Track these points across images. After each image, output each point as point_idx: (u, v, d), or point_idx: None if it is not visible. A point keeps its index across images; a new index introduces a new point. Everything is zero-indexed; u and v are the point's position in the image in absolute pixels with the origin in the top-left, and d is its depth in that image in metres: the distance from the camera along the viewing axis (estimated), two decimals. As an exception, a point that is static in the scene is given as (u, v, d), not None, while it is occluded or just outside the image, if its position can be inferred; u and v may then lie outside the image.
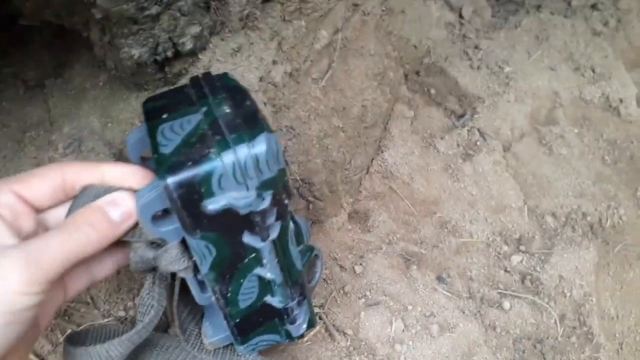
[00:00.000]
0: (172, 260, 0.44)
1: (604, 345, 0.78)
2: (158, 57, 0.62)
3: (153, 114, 0.45)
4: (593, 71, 1.20)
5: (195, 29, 0.62)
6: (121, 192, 0.43)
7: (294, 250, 0.49)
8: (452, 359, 0.73)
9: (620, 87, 1.18)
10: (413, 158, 0.93)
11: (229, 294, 0.48)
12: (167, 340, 0.55)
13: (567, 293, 0.82)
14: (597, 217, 0.95)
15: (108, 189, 0.43)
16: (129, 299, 0.70)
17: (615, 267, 0.89)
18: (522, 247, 0.88)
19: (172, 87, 0.50)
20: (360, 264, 0.80)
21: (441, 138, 0.97)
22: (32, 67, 0.79)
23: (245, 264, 0.46)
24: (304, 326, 0.55)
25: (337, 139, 0.82)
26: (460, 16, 1.17)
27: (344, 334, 0.73)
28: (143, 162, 0.50)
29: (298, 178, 0.77)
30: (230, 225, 0.42)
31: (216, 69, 0.67)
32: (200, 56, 0.67)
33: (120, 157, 0.67)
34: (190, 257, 0.44)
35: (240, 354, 0.55)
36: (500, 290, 0.82)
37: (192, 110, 0.44)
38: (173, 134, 0.42)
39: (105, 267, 0.47)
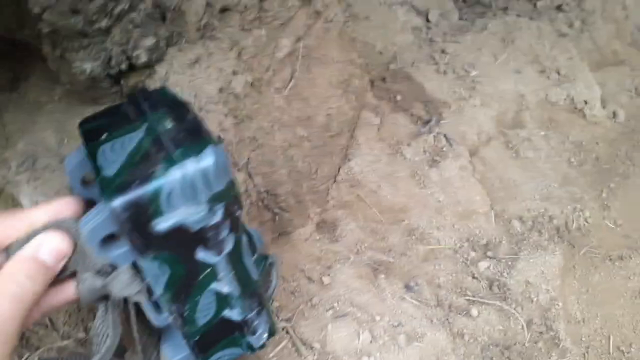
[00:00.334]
0: (124, 285, 0.42)
1: (570, 350, 0.78)
2: (112, 71, 0.60)
3: (92, 135, 0.43)
4: (558, 73, 1.21)
5: (149, 41, 0.60)
6: (47, 233, 0.41)
7: (249, 260, 0.48)
8: (421, 369, 0.72)
9: (584, 89, 1.19)
10: (380, 165, 0.92)
11: (185, 313, 0.47)
12: None
13: (533, 298, 0.82)
14: (563, 220, 0.96)
15: (33, 234, 0.41)
16: (90, 320, 0.68)
17: (580, 270, 0.90)
18: (489, 253, 0.88)
19: (108, 106, 0.48)
20: (328, 275, 0.80)
21: (408, 145, 0.97)
22: (-16, 80, 0.76)
23: (200, 280, 0.45)
24: (265, 335, 0.54)
25: (302, 148, 0.81)
26: (427, 20, 1.17)
27: (311, 347, 0.72)
28: (84, 186, 0.48)
29: (262, 189, 0.76)
30: (183, 242, 0.41)
31: (174, 81, 0.65)
32: (156, 68, 0.65)
33: (76, 173, 0.65)
34: (143, 279, 0.42)
35: None
36: (468, 297, 0.82)
37: (132, 128, 0.42)
38: (114, 154, 0.40)
39: (55, 300, 0.45)
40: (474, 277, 0.85)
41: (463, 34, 1.21)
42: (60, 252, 0.41)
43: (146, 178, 0.37)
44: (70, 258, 0.42)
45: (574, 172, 1.08)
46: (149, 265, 0.41)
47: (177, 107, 0.45)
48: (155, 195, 0.38)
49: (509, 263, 0.87)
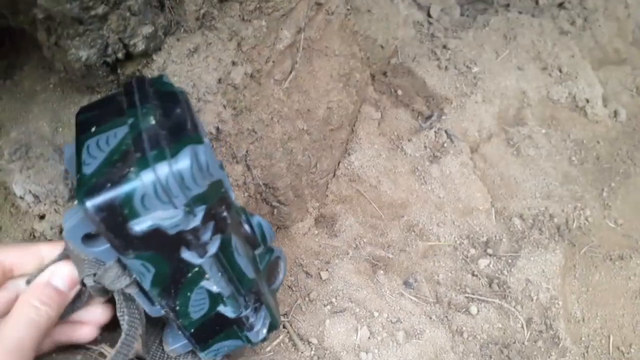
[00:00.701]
0: (113, 279, 0.42)
1: (570, 349, 0.78)
2: (108, 59, 0.59)
3: (84, 127, 0.42)
4: (560, 71, 1.20)
5: (147, 29, 0.59)
6: (59, 263, 0.45)
7: (243, 260, 0.47)
8: (419, 367, 0.71)
9: (586, 87, 1.18)
10: (380, 161, 0.91)
11: (177, 307, 0.46)
12: None
13: (533, 297, 0.81)
14: (564, 218, 0.95)
15: (47, 265, 0.45)
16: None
17: (581, 270, 0.89)
18: (489, 250, 0.87)
19: (105, 95, 0.47)
20: (327, 270, 0.78)
21: (408, 140, 0.96)
22: (-22, 68, 0.75)
23: (189, 278, 0.44)
24: (264, 331, 0.54)
25: (302, 142, 0.79)
26: (429, 15, 1.16)
27: (309, 343, 0.71)
28: None
29: (261, 183, 0.75)
30: (163, 243, 0.40)
31: (172, 71, 0.64)
32: (154, 57, 0.64)
33: (71, 163, 0.64)
34: (131, 274, 0.42)
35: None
36: (467, 295, 0.81)
37: (120, 122, 0.41)
38: (98, 150, 0.39)
39: (65, 336, 0.49)
40: (473, 275, 0.84)
41: (465, 30, 1.20)
42: (73, 279, 0.44)
43: (119, 180, 0.37)
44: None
45: (575, 170, 1.07)
46: (132, 264, 0.40)
47: (169, 100, 0.44)
48: (128, 198, 0.37)
49: (509, 261, 0.86)
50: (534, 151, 1.06)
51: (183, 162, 0.37)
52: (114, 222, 0.37)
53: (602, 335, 0.83)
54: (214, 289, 0.45)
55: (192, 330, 0.49)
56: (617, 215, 1.00)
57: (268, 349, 0.68)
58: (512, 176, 1.00)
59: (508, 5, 1.31)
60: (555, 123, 1.14)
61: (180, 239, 0.40)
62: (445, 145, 0.96)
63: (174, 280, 0.43)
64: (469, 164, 0.96)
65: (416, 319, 0.76)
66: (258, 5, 0.69)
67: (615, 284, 0.89)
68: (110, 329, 0.62)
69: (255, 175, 0.74)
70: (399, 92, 1.00)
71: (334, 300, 0.75)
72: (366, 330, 0.72)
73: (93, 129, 0.41)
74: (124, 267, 0.41)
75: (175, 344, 0.52)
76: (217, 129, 0.68)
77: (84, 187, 0.37)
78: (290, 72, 0.77)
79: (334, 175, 0.88)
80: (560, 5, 1.34)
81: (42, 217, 0.64)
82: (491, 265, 0.85)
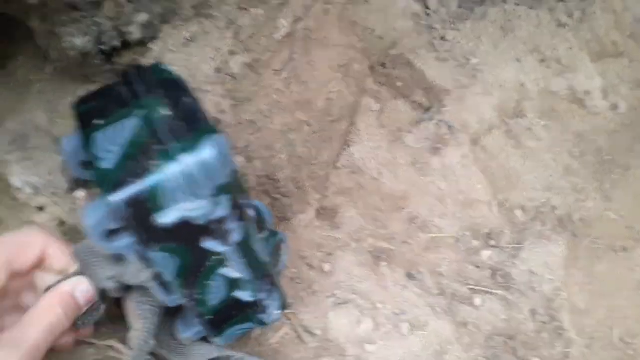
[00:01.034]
0: (134, 274, 0.42)
1: (574, 340, 0.77)
2: (104, 47, 0.58)
3: (87, 120, 0.41)
4: (559, 63, 1.19)
5: (143, 17, 0.58)
6: (80, 278, 0.45)
7: (259, 245, 0.47)
8: (424, 358, 0.71)
9: (585, 79, 1.18)
10: (381, 152, 0.90)
11: (197, 296, 0.46)
12: None
13: (537, 288, 0.81)
14: (565, 210, 0.94)
15: (68, 276, 0.45)
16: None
17: (584, 261, 0.88)
18: (492, 242, 0.86)
19: (103, 85, 0.46)
20: (329, 262, 0.78)
21: (409, 132, 0.95)
22: (-29, 59, 0.73)
23: (209, 266, 0.44)
24: (276, 312, 0.54)
25: (302, 133, 0.78)
26: (426, 7, 1.15)
27: (313, 334, 0.70)
28: (84, 168, 0.47)
29: (262, 174, 0.74)
30: (189, 234, 0.40)
31: (169, 60, 0.63)
32: (150, 46, 0.63)
33: (67, 154, 0.62)
34: (151, 267, 0.42)
35: (217, 345, 0.54)
36: (471, 286, 0.80)
37: (125, 114, 0.40)
38: (110, 144, 0.39)
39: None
40: (476, 267, 0.83)
41: (462, 21, 1.18)
42: (90, 296, 0.45)
43: (143, 174, 0.36)
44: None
45: (575, 162, 1.07)
46: (156, 257, 0.40)
47: (173, 88, 0.43)
48: (154, 191, 0.36)
49: (512, 252, 0.85)
50: (534, 143, 1.06)
51: (206, 152, 0.37)
52: (140, 217, 0.37)
53: (606, 326, 0.82)
54: (234, 275, 0.45)
55: (209, 317, 0.49)
56: (618, 207, 0.99)
57: (272, 340, 0.67)
58: (512, 168, 0.99)
59: (505, -3, 1.30)
60: (555, 115, 1.14)
61: (206, 229, 0.40)
62: (445, 137, 0.96)
63: (195, 269, 0.43)
64: (469, 156, 0.95)
65: (420, 311, 0.75)
66: (256, -7, 0.68)
67: (619, 275, 0.88)
68: (115, 323, 0.61)
69: (256, 166, 0.73)
70: (399, 83, 0.99)
71: (337, 292, 0.74)
72: (370, 322, 0.72)
73: (98, 122, 0.40)
74: (145, 261, 0.41)
75: (188, 332, 0.52)
76: (217, 119, 0.67)
77: (107, 183, 0.36)
78: (289, 63, 0.76)
79: (334, 167, 0.87)
80: (558, -3, 1.33)
81: (41, 208, 0.63)
82: (494, 257, 0.84)
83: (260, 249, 0.48)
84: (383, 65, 1.01)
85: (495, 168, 0.99)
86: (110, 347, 0.59)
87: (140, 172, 0.36)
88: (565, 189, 0.99)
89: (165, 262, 0.41)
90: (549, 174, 1.01)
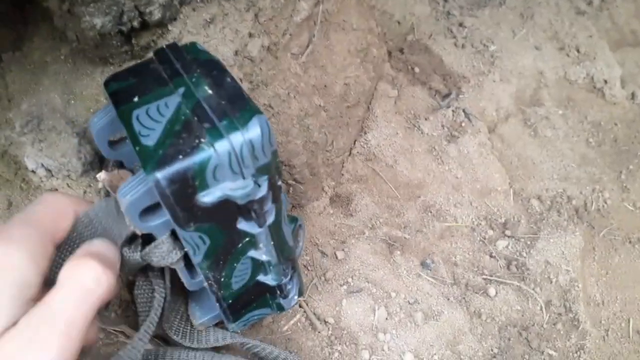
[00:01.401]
0: (164, 255, 0.41)
1: (589, 332, 0.76)
2: (123, 28, 0.57)
3: (122, 97, 0.40)
4: (578, 51, 1.17)
5: (163, -3, 0.57)
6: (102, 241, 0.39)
7: (287, 228, 0.47)
8: (437, 348, 0.70)
9: (605, 68, 1.16)
10: (397, 139, 0.89)
11: (222, 279, 0.46)
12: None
13: (553, 279, 0.80)
14: (582, 200, 0.93)
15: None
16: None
17: (600, 252, 0.87)
18: (507, 232, 0.85)
19: (135, 63, 0.45)
20: (342, 250, 0.77)
21: (425, 119, 0.94)
22: (-13, 39, 0.73)
23: (239, 248, 0.44)
24: (296, 297, 0.54)
25: (319, 118, 0.77)
26: (445, -8, 1.13)
27: (326, 322, 0.69)
28: (112, 147, 0.46)
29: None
30: (227, 214, 0.40)
31: (188, 41, 0.62)
32: (169, 27, 0.61)
33: (84, 136, 0.62)
34: (182, 247, 0.41)
35: (231, 330, 0.54)
36: (485, 276, 0.79)
37: (166, 92, 0.40)
38: (151, 121, 0.38)
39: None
40: (491, 256, 0.82)
41: (481, 8, 1.17)
42: (113, 265, 0.38)
43: (191, 151, 0.35)
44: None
45: (592, 152, 1.05)
46: (190, 236, 0.39)
47: (213, 69, 0.42)
48: (201, 169, 0.36)
49: (528, 242, 0.84)
50: (551, 132, 1.04)
51: (254, 131, 0.37)
52: (183, 194, 0.36)
53: (622, 318, 0.81)
54: (263, 257, 0.45)
55: (230, 301, 0.49)
56: (635, 198, 0.98)
57: (285, 328, 0.67)
58: (529, 157, 0.98)
59: (524, -17, 1.27)
60: (572, 104, 1.12)
61: (245, 209, 0.40)
62: (463, 124, 0.94)
63: (225, 251, 0.43)
64: (487, 144, 0.94)
65: (434, 300, 0.74)
66: (276, -25, 0.67)
67: (635, 267, 0.87)
68: (123, 307, 0.61)
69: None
70: (416, 69, 0.98)
71: (350, 280, 0.74)
72: (384, 310, 0.71)
73: (136, 99, 0.40)
74: (174, 240, 0.40)
75: (205, 317, 0.52)
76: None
77: (151, 159, 0.35)
78: (307, 46, 0.75)
79: (349, 154, 0.86)
80: (577, -16, 1.31)
81: (54, 191, 0.62)
82: (509, 247, 0.83)
83: (288, 232, 0.48)
84: (401, 50, 0.99)
85: (512, 157, 0.97)
86: (121, 332, 0.59)
87: (187, 149, 0.35)
88: (581, 179, 0.98)
89: (197, 242, 0.40)
90: (565, 164, 1.00)
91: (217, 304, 0.49)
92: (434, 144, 0.91)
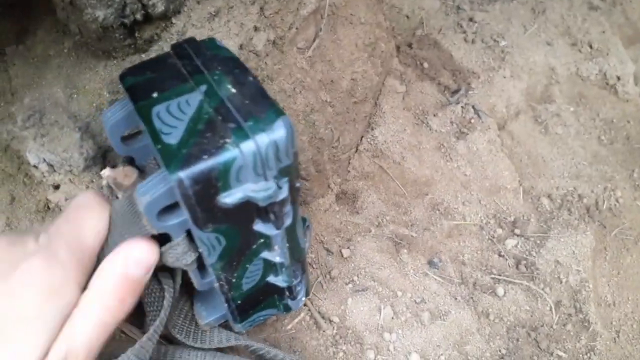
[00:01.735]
0: (178, 256, 0.40)
1: (600, 333, 0.75)
2: (126, 20, 0.56)
3: (140, 93, 0.39)
4: (590, 47, 1.15)
5: (167, -11, 0.56)
6: (131, 243, 0.39)
7: (300, 229, 0.46)
8: (444, 348, 0.69)
9: (618, 64, 1.14)
10: (404, 136, 0.88)
11: (234, 280, 0.45)
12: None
13: (563, 279, 0.78)
14: (593, 199, 0.91)
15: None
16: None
17: (612, 252, 0.86)
18: (517, 231, 0.83)
19: (151, 58, 0.44)
20: (348, 248, 0.76)
21: (434, 115, 0.92)
22: (-10, 32, 0.72)
23: (253, 249, 0.43)
24: (303, 298, 0.54)
25: (325, 114, 0.76)
26: (455, -14, 1.11)
27: (330, 321, 0.68)
28: (125, 143, 0.45)
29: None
30: (245, 216, 0.39)
31: (192, 35, 0.61)
32: (173, 20, 0.60)
33: (86, 130, 0.61)
34: (197, 249, 0.40)
35: (237, 331, 0.54)
36: (493, 276, 0.78)
37: (187, 89, 0.39)
38: (173, 118, 0.37)
39: None
40: (500, 255, 0.81)
41: (491, 2, 1.15)
42: (150, 261, 0.39)
43: (216, 151, 0.34)
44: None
45: (604, 150, 1.03)
46: (207, 237, 0.39)
47: (235, 67, 0.41)
48: (226, 169, 0.35)
49: (538, 242, 0.83)
50: (562, 129, 1.02)
51: (279, 133, 0.36)
52: (206, 195, 0.35)
53: (634, 320, 0.80)
54: (277, 259, 0.44)
55: (239, 302, 0.48)
56: (648, 197, 0.97)
57: (289, 326, 0.66)
58: (540, 155, 0.96)
59: (536, -22, 1.25)
60: (584, 101, 1.10)
61: (264, 211, 0.39)
62: (472, 121, 0.93)
63: (239, 252, 0.42)
64: (496, 141, 0.92)
65: (441, 300, 0.73)
66: (282, -33, 0.65)
67: (647, 268, 0.85)
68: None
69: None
70: (425, 64, 0.96)
71: (355, 278, 0.73)
72: (390, 310, 0.70)
73: (155, 95, 0.39)
74: (190, 242, 0.40)
75: (211, 317, 0.51)
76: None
77: (174, 158, 0.34)
78: (314, 40, 0.73)
79: (356, 151, 0.85)
80: (590, -21, 1.28)
81: (56, 187, 0.61)
82: (519, 246, 0.82)
83: (301, 234, 0.47)
84: (409, 45, 0.98)
85: (522, 154, 0.96)
86: (122, 332, 0.58)
87: (212, 149, 0.34)
88: (593, 177, 0.96)
89: (213, 244, 0.39)
90: (576, 162, 0.98)
91: (226, 305, 0.48)
92: (442, 140, 0.90)
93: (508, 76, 1.01)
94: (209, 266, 0.42)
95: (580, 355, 0.73)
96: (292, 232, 0.43)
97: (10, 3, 0.73)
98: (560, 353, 0.72)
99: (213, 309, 0.51)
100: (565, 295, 0.77)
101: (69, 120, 0.60)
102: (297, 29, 0.70)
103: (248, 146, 0.35)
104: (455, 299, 0.74)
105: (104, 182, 0.43)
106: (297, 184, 0.41)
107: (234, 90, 0.38)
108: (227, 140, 0.35)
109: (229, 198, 0.36)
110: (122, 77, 0.41)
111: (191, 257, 0.40)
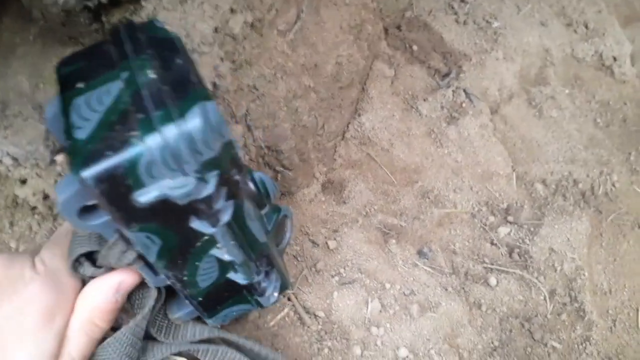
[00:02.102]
0: (119, 255, 0.38)
1: (596, 323, 0.72)
2: (89, 4, 0.52)
3: (69, 82, 0.36)
4: (586, 27, 1.12)
5: (132, -31, 0.52)
6: (122, 273, 0.42)
7: (255, 223, 0.43)
8: (434, 342, 0.66)
9: (614, 45, 1.10)
10: (393, 122, 0.85)
11: (185, 278, 0.42)
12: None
13: (557, 267, 0.76)
14: (589, 184, 0.88)
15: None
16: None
17: (608, 238, 0.83)
18: (510, 218, 0.81)
19: (89, 45, 0.41)
20: (334, 239, 0.73)
21: (424, 100, 0.89)
22: (-46, 19, 0.69)
23: (198, 247, 0.40)
24: (275, 294, 0.51)
25: (308, 100, 0.73)
26: (445, -34, 1.07)
27: (315, 316, 0.66)
28: (68, 136, 0.42)
29: (263, 145, 0.69)
30: (172, 214, 0.35)
31: (163, 18, 0.57)
32: (143, 3, 0.57)
33: (53, 122, 0.58)
34: (135, 248, 0.38)
35: (211, 325, 0.53)
36: (486, 265, 0.75)
37: (111, 77, 0.35)
38: (90, 111, 0.33)
39: None
40: (492, 244, 0.78)
41: (484, -18, 1.11)
42: (127, 291, 0.43)
43: (120, 146, 0.31)
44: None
45: (600, 133, 1.00)
46: (136, 237, 0.36)
47: (166, 49, 0.37)
48: (132, 166, 0.31)
49: (532, 229, 0.80)
50: (557, 112, 0.99)
51: (193, 123, 0.32)
52: (116, 194, 0.32)
53: (630, 308, 0.77)
54: (226, 257, 0.41)
55: (200, 299, 0.46)
56: (645, 181, 0.94)
57: (272, 323, 0.63)
58: (534, 139, 0.94)
59: (530, -44, 1.22)
60: (580, 83, 1.07)
61: (190, 209, 0.35)
62: (463, 105, 0.90)
63: (182, 250, 0.39)
64: (488, 126, 0.89)
65: (431, 291, 0.71)
66: (258, -55, 0.62)
67: (645, 254, 0.83)
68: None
69: (256, 136, 0.68)
70: (414, 47, 0.93)
71: (342, 270, 0.70)
72: (377, 303, 0.67)
73: (80, 85, 0.35)
74: (127, 241, 0.37)
75: (181, 311, 0.50)
76: (214, 84, 0.62)
77: (79, 156, 0.31)
78: (296, 23, 0.70)
79: (342, 138, 0.82)
80: (586, -44, 1.25)
81: (23, 181, 0.58)
82: (512, 234, 0.79)
83: (257, 228, 0.43)
84: (398, 27, 0.94)
85: (515, 139, 0.93)
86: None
87: (118, 144, 0.31)
88: (588, 161, 0.93)
89: (145, 242, 0.36)
90: (571, 145, 0.95)
91: (187, 301, 0.46)
92: (432, 126, 0.87)
93: (501, 58, 0.97)
94: (153, 264, 0.40)
95: (576, 346, 0.71)
96: (240, 227, 0.40)
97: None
98: (555, 344, 0.70)
99: (183, 304, 0.49)
100: (559, 284, 0.75)
101: (33, 111, 0.57)
102: (277, 10, 0.67)
103: (154, 140, 0.31)
104: (446, 289, 0.72)
105: (59, 169, 0.40)
106: (236, 177, 0.37)
107: (153, 76, 0.34)
108: (133, 133, 0.31)
109: (144, 197, 0.33)
110: (59, 67, 0.38)
111: (132, 255, 0.38)
